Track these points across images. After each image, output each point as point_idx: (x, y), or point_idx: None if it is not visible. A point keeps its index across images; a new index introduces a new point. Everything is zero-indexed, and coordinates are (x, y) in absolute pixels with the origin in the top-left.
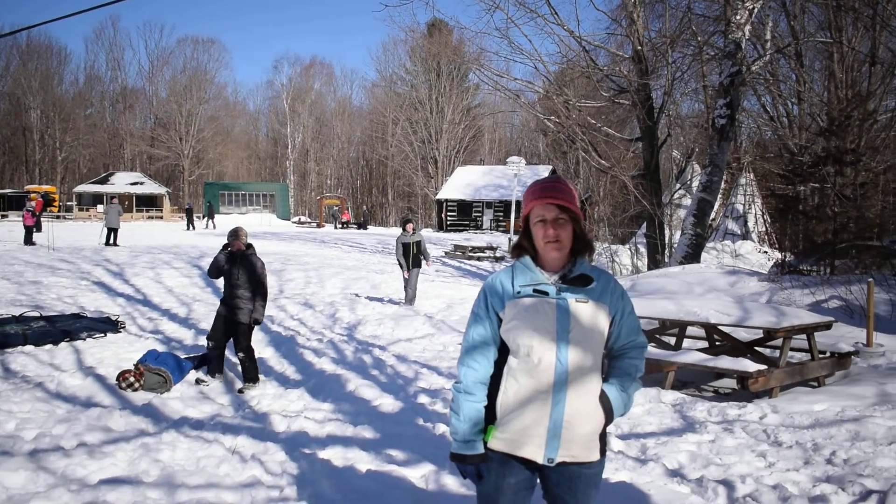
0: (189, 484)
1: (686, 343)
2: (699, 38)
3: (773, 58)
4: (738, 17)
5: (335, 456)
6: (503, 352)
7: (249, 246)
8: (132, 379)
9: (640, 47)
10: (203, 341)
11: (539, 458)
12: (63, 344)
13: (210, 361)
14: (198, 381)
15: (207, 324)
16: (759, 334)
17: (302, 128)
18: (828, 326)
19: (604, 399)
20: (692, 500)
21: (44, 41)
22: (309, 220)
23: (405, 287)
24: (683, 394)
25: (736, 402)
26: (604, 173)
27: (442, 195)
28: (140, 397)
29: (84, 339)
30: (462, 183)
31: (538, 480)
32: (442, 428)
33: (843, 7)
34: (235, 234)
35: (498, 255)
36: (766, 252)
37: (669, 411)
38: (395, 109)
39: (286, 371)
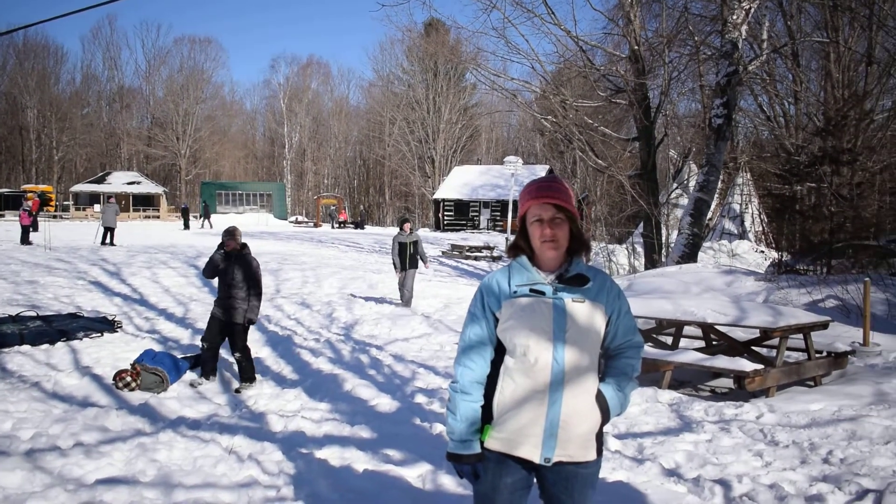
0: (186, 484)
1: (683, 343)
2: (696, 38)
3: (770, 57)
4: (734, 17)
5: (332, 455)
6: (500, 351)
7: (244, 245)
8: (129, 379)
9: (636, 47)
10: (199, 341)
11: (536, 458)
12: (60, 344)
13: (204, 363)
14: (192, 385)
15: (204, 323)
16: (756, 334)
17: (299, 127)
18: (824, 326)
19: (600, 399)
20: (689, 499)
21: (40, 40)
22: (306, 219)
23: (399, 287)
24: (680, 393)
25: (733, 402)
26: (601, 173)
27: (439, 195)
28: (137, 397)
29: (81, 339)
30: (459, 183)
31: (535, 480)
32: (439, 427)
33: (839, 7)
34: (230, 233)
35: (495, 254)
36: (762, 251)
37: (666, 411)
38: (392, 109)
39: (283, 371)
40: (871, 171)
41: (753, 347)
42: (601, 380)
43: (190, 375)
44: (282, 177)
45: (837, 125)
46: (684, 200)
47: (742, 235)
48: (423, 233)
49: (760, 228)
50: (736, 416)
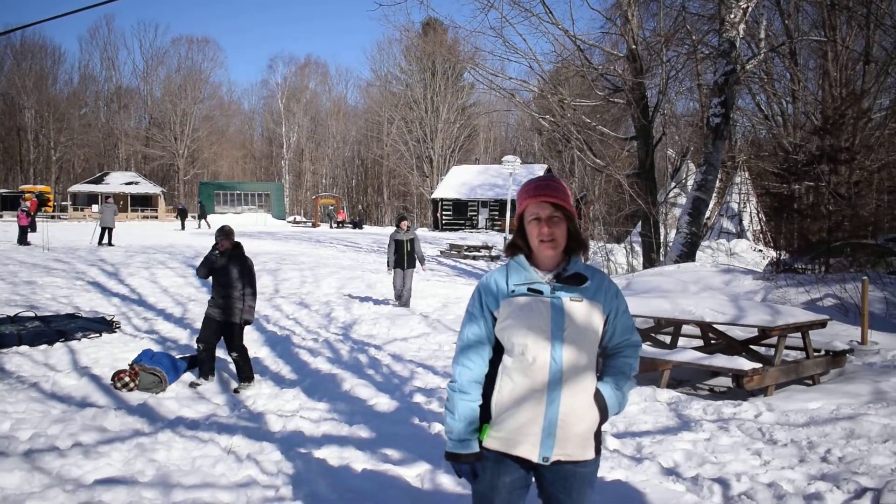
0: (185, 484)
1: (681, 342)
2: (694, 37)
3: (768, 56)
4: (732, 16)
5: (331, 455)
6: (498, 351)
7: (238, 245)
8: (127, 379)
9: (634, 46)
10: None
11: (534, 457)
12: (58, 344)
13: (201, 363)
14: (192, 385)
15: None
16: (755, 333)
17: (297, 127)
18: (823, 325)
19: (598, 398)
20: (687, 498)
21: (38, 41)
22: (304, 219)
23: (393, 285)
24: (679, 392)
25: (731, 401)
26: (599, 172)
27: (437, 194)
28: (135, 397)
29: (79, 339)
30: (457, 182)
31: (533, 479)
32: (437, 427)
33: (837, 6)
34: (224, 233)
35: (493, 254)
36: (760, 250)
37: (665, 410)
38: (390, 109)
39: (282, 371)
40: (868, 170)
41: (752, 346)
42: (599, 379)
43: (188, 376)
44: (280, 177)
45: (835, 124)
46: (682, 199)
47: (740, 234)
48: (422, 232)
49: (758, 227)
50: (734, 415)
